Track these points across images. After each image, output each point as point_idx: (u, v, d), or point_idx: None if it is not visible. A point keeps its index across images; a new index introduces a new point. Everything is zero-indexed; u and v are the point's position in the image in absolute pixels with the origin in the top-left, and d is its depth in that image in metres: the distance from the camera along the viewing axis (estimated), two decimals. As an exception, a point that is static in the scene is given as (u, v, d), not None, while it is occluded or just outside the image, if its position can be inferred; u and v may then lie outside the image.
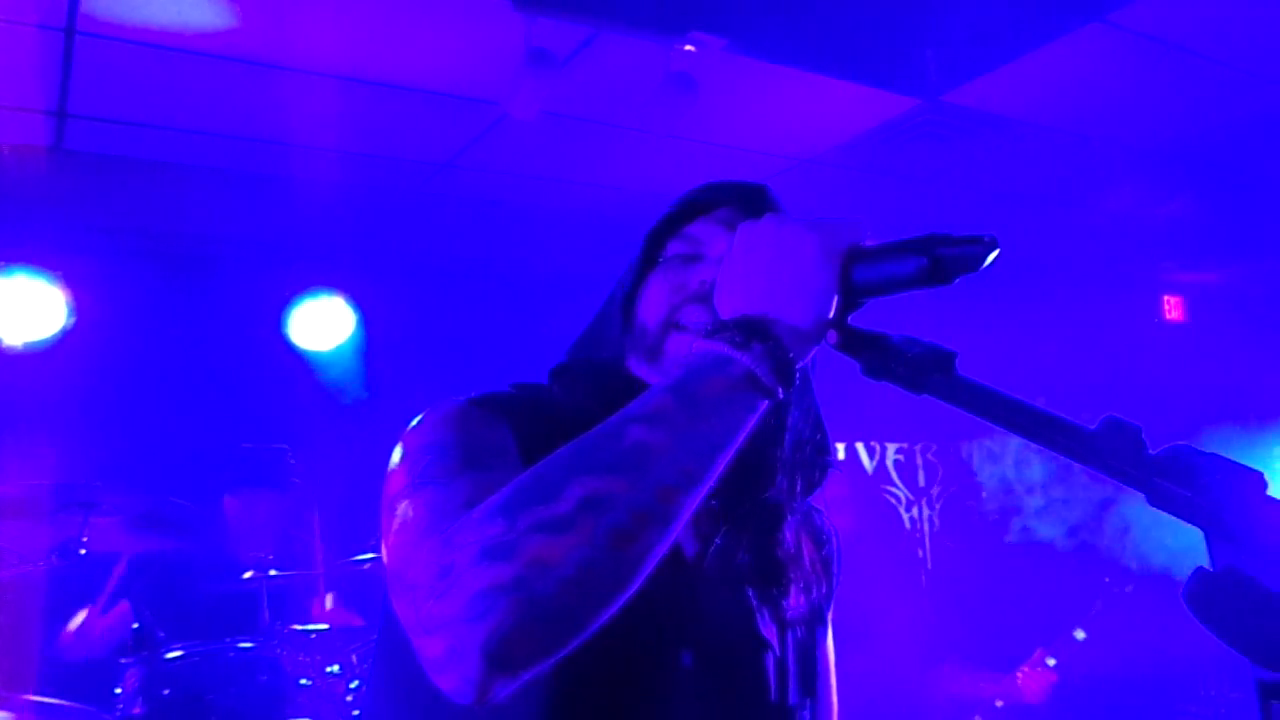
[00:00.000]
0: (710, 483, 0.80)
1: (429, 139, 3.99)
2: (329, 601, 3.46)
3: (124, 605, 3.01)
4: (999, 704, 3.32)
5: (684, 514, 0.78)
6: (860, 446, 4.67)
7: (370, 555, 3.08)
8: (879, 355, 0.84)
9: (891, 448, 4.73)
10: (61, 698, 2.61)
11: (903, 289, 0.82)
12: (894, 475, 4.71)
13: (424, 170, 4.31)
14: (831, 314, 0.85)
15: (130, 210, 4.03)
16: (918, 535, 4.67)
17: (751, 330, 0.84)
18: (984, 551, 4.65)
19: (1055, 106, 3.94)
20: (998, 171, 4.62)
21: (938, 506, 4.75)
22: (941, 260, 0.78)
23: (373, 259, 4.45)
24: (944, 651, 4.13)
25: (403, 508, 0.90)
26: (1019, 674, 3.34)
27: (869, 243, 0.86)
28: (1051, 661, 3.37)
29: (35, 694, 2.52)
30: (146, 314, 4.01)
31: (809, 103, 3.81)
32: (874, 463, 4.67)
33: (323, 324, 4.23)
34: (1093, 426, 0.70)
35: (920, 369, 0.81)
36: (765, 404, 0.84)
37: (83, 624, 3.00)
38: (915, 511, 4.69)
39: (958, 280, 0.80)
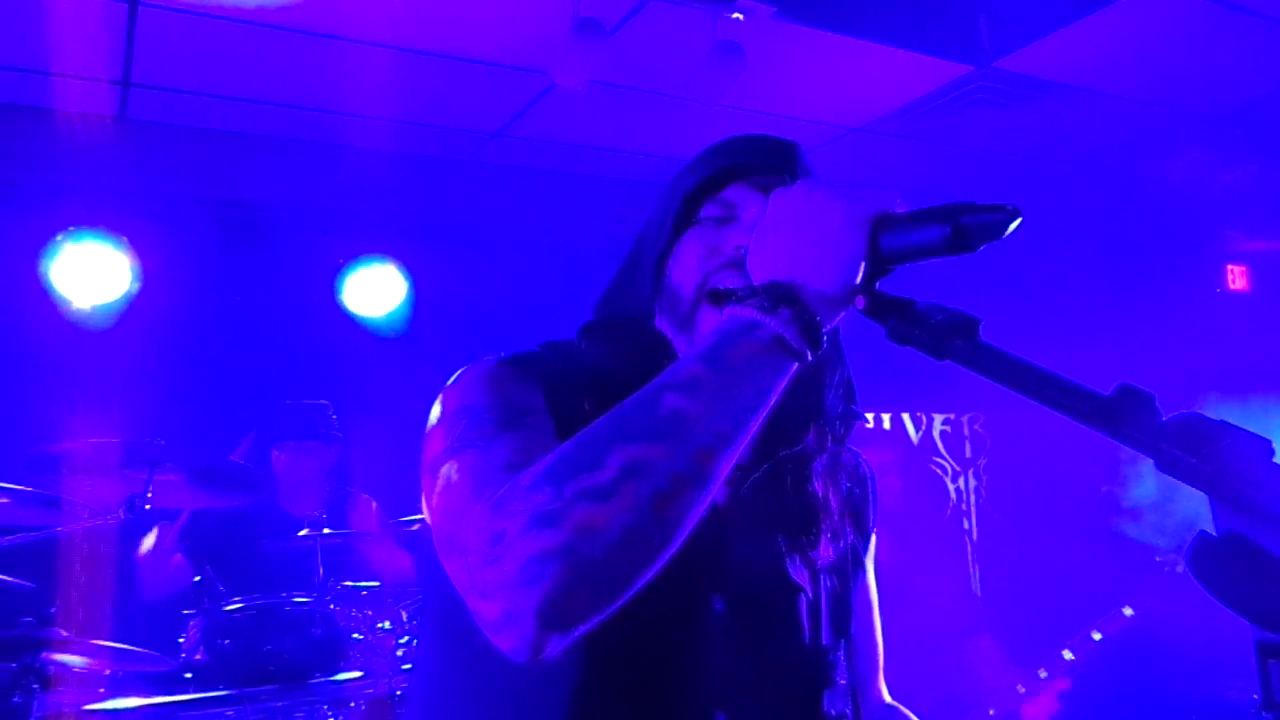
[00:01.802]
0: (744, 443, 0.84)
1: (479, 108, 4.03)
2: (387, 556, 3.55)
3: (179, 557, 3.13)
4: (1021, 689, 3.30)
5: (720, 474, 0.82)
6: (906, 417, 4.65)
7: (419, 516, 3.15)
8: (903, 321, 0.86)
9: (938, 418, 4.70)
10: (130, 644, 2.75)
11: (928, 256, 0.84)
12: (940, 446, 4.69)
13: (474, 140, 4.36)
14: (859, 280, 0.87)
15: (192, 178, 4.14)
16: (963, 507, 4.65)
17: (780, 295, 0.87)
18: (1030, 524, 4.62)
19: (1112, 72, 3.85)
20: (1052, 139, 4.53)
21: (984, 478, 4.72)
22: (964, 228, 0.80)
23: (424, 227, 4.52)
24: (983, 624, 4.12)
25: (445, 470, 0.94)
26: (1022, 692, 3.31)
27: (898, 210, 0.88)
28: (1128, 612, 3.29)
29: (106, 640, 2.65)
30: (207, 279, 4.14)
31: (858, 70, 3.77)
32: (920, 434, 4.65)
33: (375, 290, 4.31)
34: (1106, 393, 0.71)
35: (942, 335, 0.83)
36: (794, 366, 0.87)
37: (154, 544, 3.09)
38: (961, 483, 4.67)
39: (981, 248, 0.82)
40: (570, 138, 4.39)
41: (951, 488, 4.64)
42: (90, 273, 3.74)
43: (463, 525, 0.85)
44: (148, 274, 3.82)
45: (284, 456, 3.49)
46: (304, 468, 3.48)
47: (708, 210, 1.14)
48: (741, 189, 1.14)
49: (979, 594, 4.39)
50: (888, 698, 1.38)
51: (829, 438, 1.19)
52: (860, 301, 0.89)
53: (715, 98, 3.40)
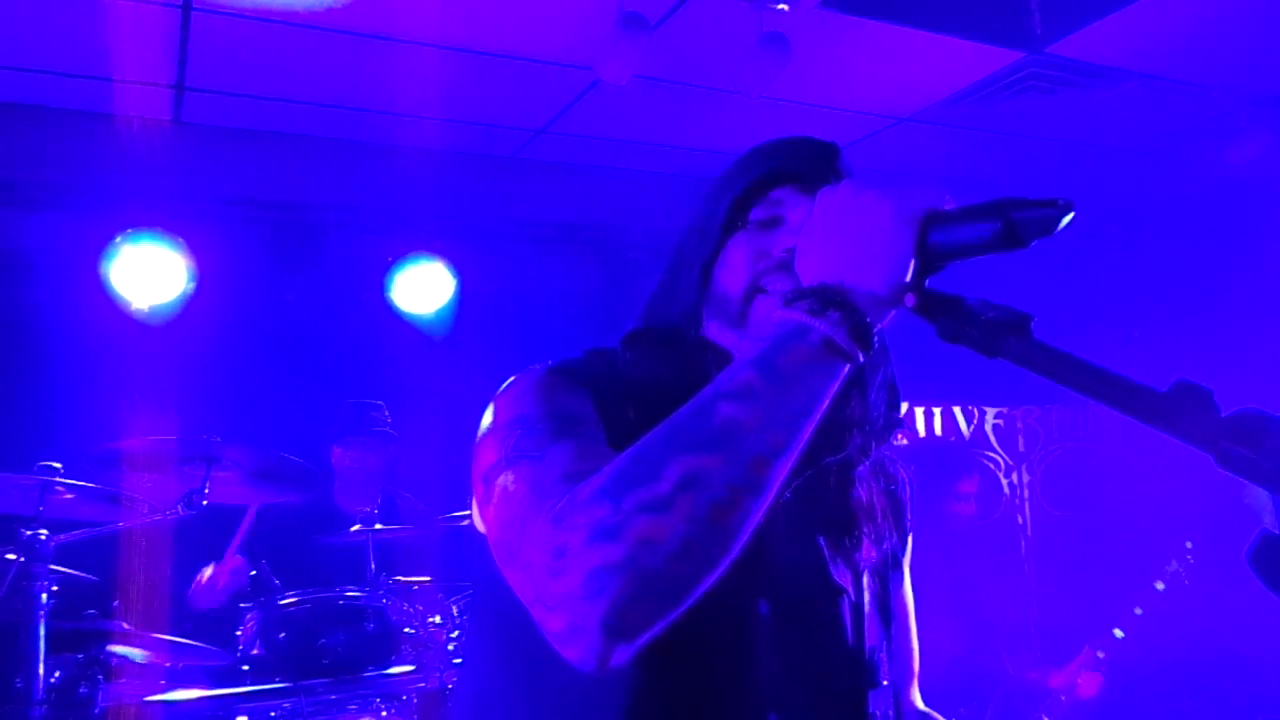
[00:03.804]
0: (799, 448, 0.84)
1: (524, 105, 4.05)
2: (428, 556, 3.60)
3: (239, 560, 3.22)
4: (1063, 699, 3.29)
5: (776, 481, 0.82)
6: (958, 410, 4.58)
7: (467, 513, 3.18)
8: (954, 318, 0.84)
9: (990, 412, 4.63)
10: (188, 638, 2.82)
11: (979, 253, 0.82)
12: (993, 440, 4.61)
13: (519, 137, 4.38)
14: (908, 278, 0.86)
15: (244, 179, 4.22)
16: (1017, 501, 4.57)
17: (829, 297, 0.86)
18: (1085, 518, 4.53)
19: (1169, 54, 3.75)
20: (1107, 127, 4.43)
21: (1039, 472, 4.64)
22: (1016, 223, 0.78)
23: (470, 225, 4.55)
24: (1034, 622, 4.07)
25: (501, 480, 0.95)
26: (1073, 671, 3.29)
27: (947, 207, 0.86)
28: (1121, 632, 3.28)
29: (165, 634, 2.72)
30: (260, 279, 4.21)
31: (906, 59, 3.71)
32: (971, 428, 4.58)
33: (423, 289, 4.36)
34: (1163, 389, 0.70)
35: (994, 332, 0.81)
36: (846, 369, 0.86)
37: (210, 577, 3.21)
38: (1015, 477, 4.59)
39: (1033, 244, 0.80)
40: (615, 133, 4.39)
41: (1005, 482, 4.56)
42: (148, 274, 3.82)
43: (524, 538, 0.86)
44: (203, 275, 3.90)
45: (345, 454, 3.57)
46: (364, 465, 3.58)
47: (755, 214, 1.13)
48: (787, 191, 1.13)
49: (1033, 589, 4.32)
50: (921, 704, 1.38)
51: (873, 442, 1.18)
52: (910, 300, 0.88)
53: (761, 90, 3.38)
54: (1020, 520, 4.52)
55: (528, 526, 0.86)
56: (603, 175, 4.78)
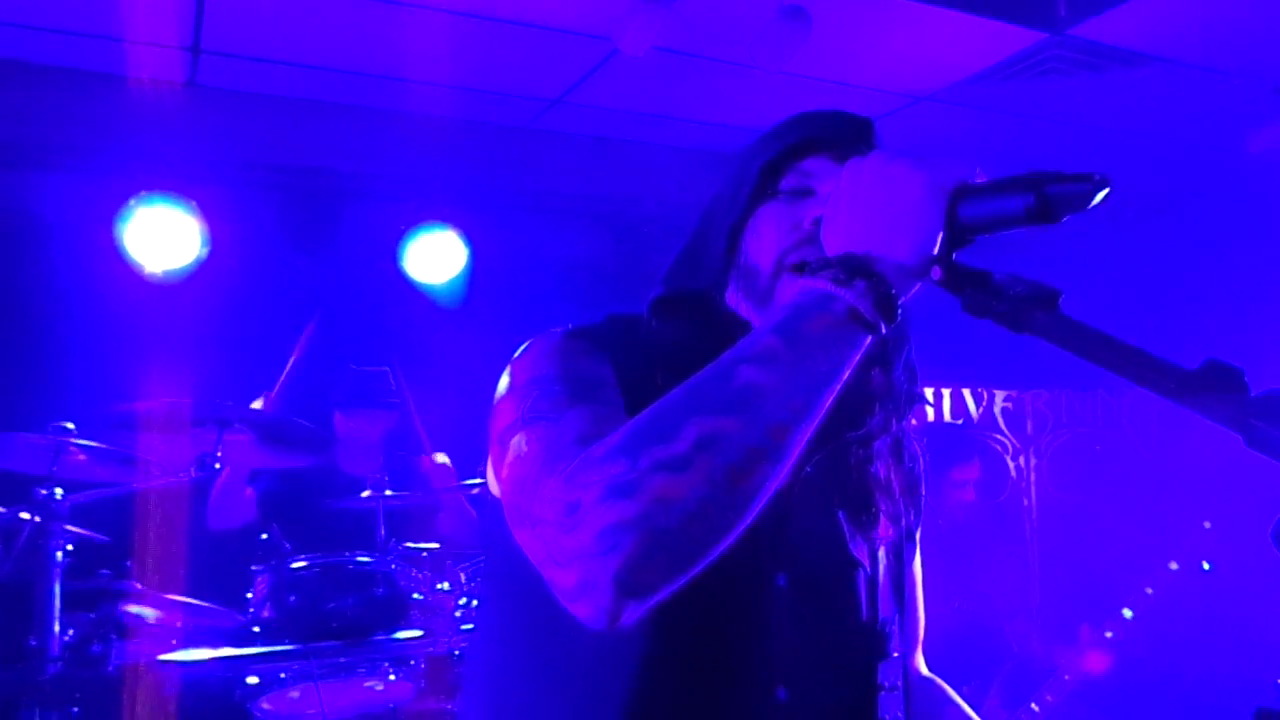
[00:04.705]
0: (818, 417, 0.83)
1: (540, 75, 4.02)
2: (444, 522, 3.62)
3: (251, 492, 3.21)
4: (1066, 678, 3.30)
5: (795, 448, 0.82)
6: (967, 393, 4.57)
7: (479, 481, 3.20)
8: (980, 292, 0.84)
9: (1000, 395, 4.62)
10: (200, 599, 2.85)
11: (1009, 227, 0.82)
12: (1001, 423, 4.61)
13: (535, 106, 4.36)
14: (936, 250, 0.86)
15: (258, 144, 4.21)
16: (1024, 485, 4.58)
17: (855, 267, 0.86)
18: (1093, 503, 4.54)
19: (1193, 40, 3.71)
20: (1128, 111, 4.38)
21: (1046, 456, 4.64)
22: (1049, 198, 0.78)
23: (484, 195, 4.54)
24: (1038, 602, 4.08)
25: (515, 442, 0.95)
26: (1078, 650, 3.30)
27: (977, 180, 0.86)
28: (1130, 612, 3.29)
29: (178, 595, 2.74)
30: (274, 245, 4.21)
31: (926, 37, 3.68)
32: (980, 410, 4.57)
33: (436, 257, 4.35)
34: (1192, 368, 0.69)
35: (1022, 307, 0.81)
36: (869, 339, 0.86)
37: (225, 484, 3.21)
38: (1022, 460, 4.59)
39: (1065, 220, 0.80)
40: (631, 105, 4.36)
41: (1011, 465, 4.57)
42: (161, 237, 3.82)
43: (536, 496, 0.86)
44: (216, 239, 3.90)
45: (346, 421, 3.57)
46: (364, 432, 3.57)
47: (785, 183, 1.13)
48: (819, 162, 1.12)
49: (1037, 572, 4.34)
50: (925, 670, 1.40)
51: (893, 419, 1.18)
52: (936, 273, 0.88)
53: (780, 65, 3.35)
54: (1026, 503, 4.52)
55: (541, 485, 0.87)
56: (617, 148, 4.76)
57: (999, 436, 4.57)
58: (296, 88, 4.13)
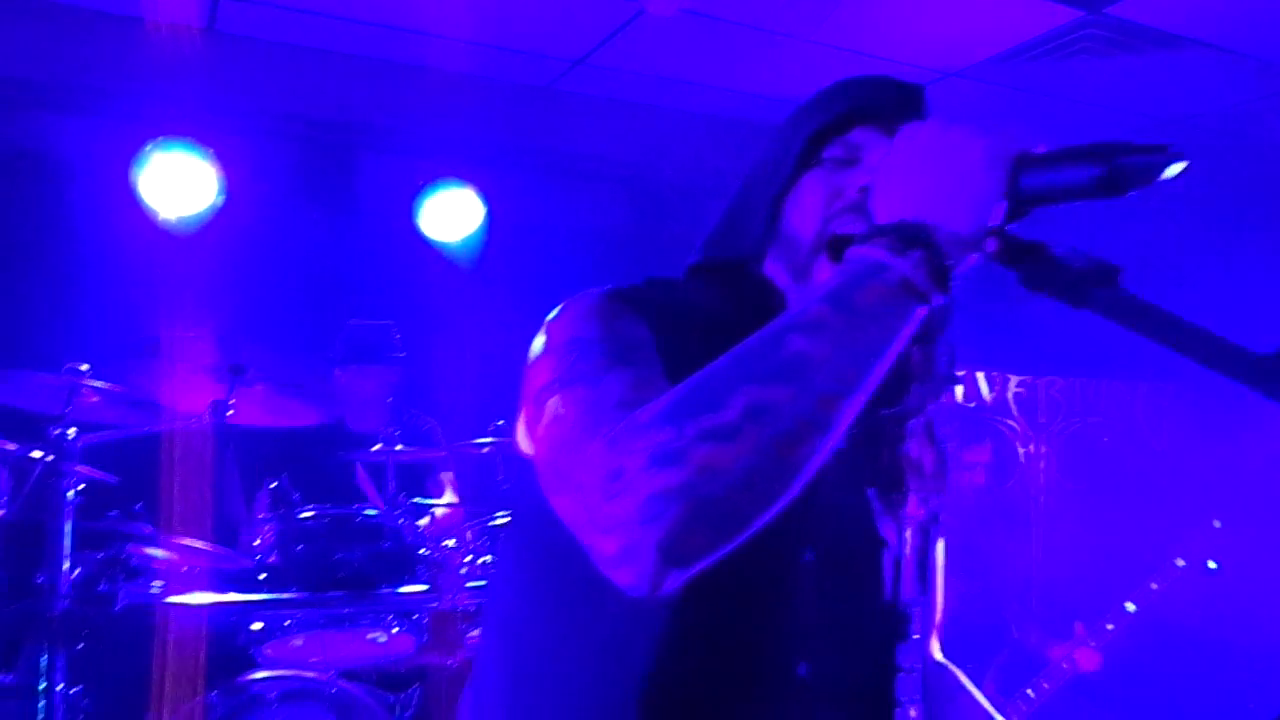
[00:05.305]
0: (868, 389, 0.82)
1: (564, 33, 3.97)
2: (448, 480, 3.62)
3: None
4: (1065, 666, 3.30)
5: (844, 420, 0.81)
6: (981, 376, 4.54)
7: (488, 440, 3.20)
8: (1039, 266, 0.82)
9: (1013, 380, 4.59)
10: (208, 544, 2.85)
11: (1072, 198, 0.80)
12: (1013, 408, 4.58)
13: (557, 66, 4.31)
14: (995, 221, 0.84)
15: (276, 93, 4.17)
16: (1032, 472, 4.56)
17: (910, 236, 0.84)
18: (1100, 494, 4.52)
19: (1232, 24, 3.65)
20: (1163, 95, 4.32)
21: (1057, 444, 4.62)
22: (1120, 169, 0.75)
23: (502, 154, 4.50)
24: (1038, 592, 4.09)
25: (553, 403, 0.93)
26: (1076, 641, 3.29)
27: (1039, 150, 0.84)
28: (1133, 605, 3.27)
29: (187, 538, 2.75)
30: (289, 196, 4.19)
31: (960, 11, 3.62)
32: (993, 394, 4.55)
33: (452, 215, 4.32)
34: (1262, 351, 0.68)
35: (1082, 282, 0.79)
36: (922, 311, 0.84)
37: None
38: (1031, 448, 4.57)
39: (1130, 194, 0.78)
40: (655, 69, 4.31)
41: (1021, 451, 4.55)
42: (177, 183, 3.80)
43: (577, 460, 0.85)
44: (232, 187, 3.87)
45: (345, 377, 3.54)
46: (364, 389, 3.53)
47: (831, 151, 1.10)
48: (867, 131, 1.10)
49: (1039, 560, 4.34)
50: (939, 655, 1.39)
51: (928, 398, 1.17)
52: (991, 245, 0.86)
53: (810, 34, 3.30)
54: (1033, 491, 4.51)
55: (581, 449, 0.85)
56: (638, 112, 4.71)
57: (1010, 422, 4.55)
58: (316, 38, 4.08)
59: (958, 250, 0.84)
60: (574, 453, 0.86)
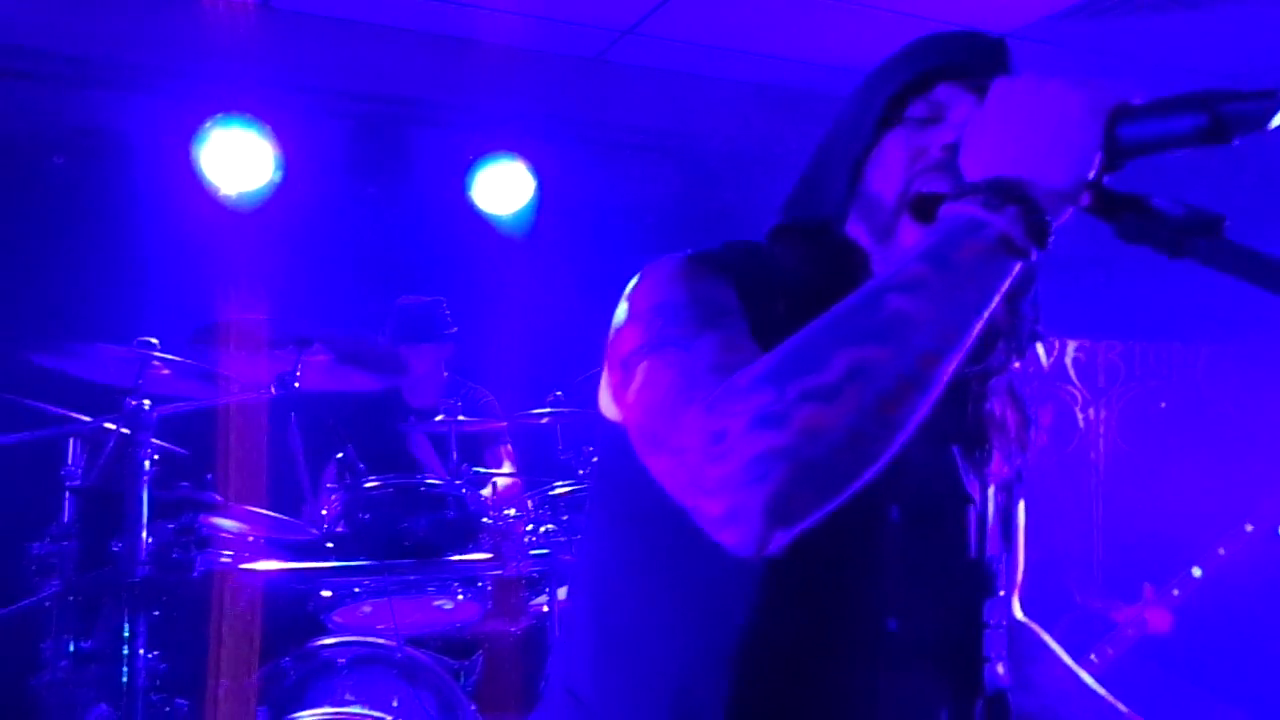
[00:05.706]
0: (967, 345, 0.82)
1: (613, 2, 3.95)
2: (506, 452, 3.67)
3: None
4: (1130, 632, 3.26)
5: (943, 377, 0.81)
6: (1038, 341, 4.47)
7: (546, 410, 3.23)
8: (1138, 217, 0.81)
9: (1071, 345, 4.53)
10: (277, 514, 2.92)
11: (1173, 147, 0.79)
12: (1071, 373, 4.52)
13: (606, 36, 4.29)
14: (1092, 174, 0.83)
15: (331, 70, 4.20)
16: (1092, 437, 4.50)
17: (1005, 191, 0.83)
18: (1164, 459, 4.45)
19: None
20: (1226, 53, 4.20)
21: (1117, 409, 4.55)
22: (1225, 116, 0.74)
23: (552, 126, 4.51)
24: (1100, 556, 4.05)
25: (643, 368, 0.94)
26: (1143, 606, 3.25)
27: (1137, 101, 0.83)
28: (1199, 571, 3.23)
29: (257, 508, 2.82)
30: (344, 171, 4.24)
31: (1019, -31, 3.54)
32: (1051, 359, 4.49)
33: (504, 188, 4.34)
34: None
35: (1183, 231, 0.78)
36: (1019, 267, 0.84)
37: None
38: (1091, 413, 4.51)
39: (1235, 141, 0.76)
40: (705, 38, 4.27)
41: (1080, 416, 4.49)
42: (236, 160, 3.86)
43: (676, 425, 0.86)
44: (289, 163, 3.93)
45: (399, 354, 3.58)
46: (418, 365, 3.58)
47: (914, 110, 1.09)
48: (951, 89, 1.08)
49: (1101, 525, 4.29)
50: (1020, 614, 1.40)
51: (1013, 355, 1.16)
52: (1085, 198, 0.85)
53: (864, -4, 3.25)
54: (1093, 456, 4.46)
55: (680, 413, 0.86)
56: (687, 81, 4.67)
57: (1069, 387, 4.49)
58: (368, 12, 4.10)
59: (1055, 204, 0.83)
60: (672, 416, 0.87)
